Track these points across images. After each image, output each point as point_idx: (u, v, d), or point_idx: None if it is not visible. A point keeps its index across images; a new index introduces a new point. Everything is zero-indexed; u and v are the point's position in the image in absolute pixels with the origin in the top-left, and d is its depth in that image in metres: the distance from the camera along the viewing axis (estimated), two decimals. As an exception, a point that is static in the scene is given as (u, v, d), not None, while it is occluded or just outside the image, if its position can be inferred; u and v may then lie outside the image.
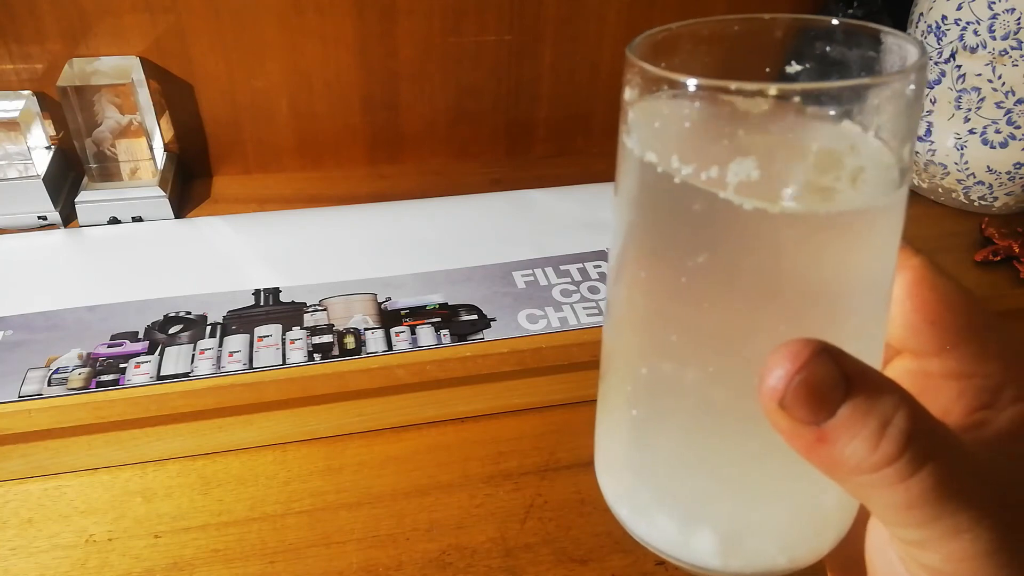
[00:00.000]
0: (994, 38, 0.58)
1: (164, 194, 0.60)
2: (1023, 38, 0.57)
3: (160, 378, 0.45)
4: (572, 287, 0.53)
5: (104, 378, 0.45)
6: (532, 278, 0.54)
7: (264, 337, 0.48)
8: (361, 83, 0.66)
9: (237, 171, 0.69)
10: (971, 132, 0.62)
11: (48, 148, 0.62)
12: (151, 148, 0.61)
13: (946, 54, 0.61)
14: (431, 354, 0.47)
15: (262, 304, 0.51)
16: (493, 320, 0.50)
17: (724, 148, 0.18)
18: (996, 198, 0.65)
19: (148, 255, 0.56)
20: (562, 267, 0.55)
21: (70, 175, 0.63)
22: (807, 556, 0.21)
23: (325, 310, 0.51)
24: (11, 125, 0.57)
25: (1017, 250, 0.60)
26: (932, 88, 0.63)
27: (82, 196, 0.59)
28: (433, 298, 0.52)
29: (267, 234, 0.59)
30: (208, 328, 0.49)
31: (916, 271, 0.20)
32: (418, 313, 0.51)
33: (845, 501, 0.21)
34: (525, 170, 0.72)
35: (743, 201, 0.17)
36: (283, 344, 0.48)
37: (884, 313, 0.20)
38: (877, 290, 0.19)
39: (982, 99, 0.61)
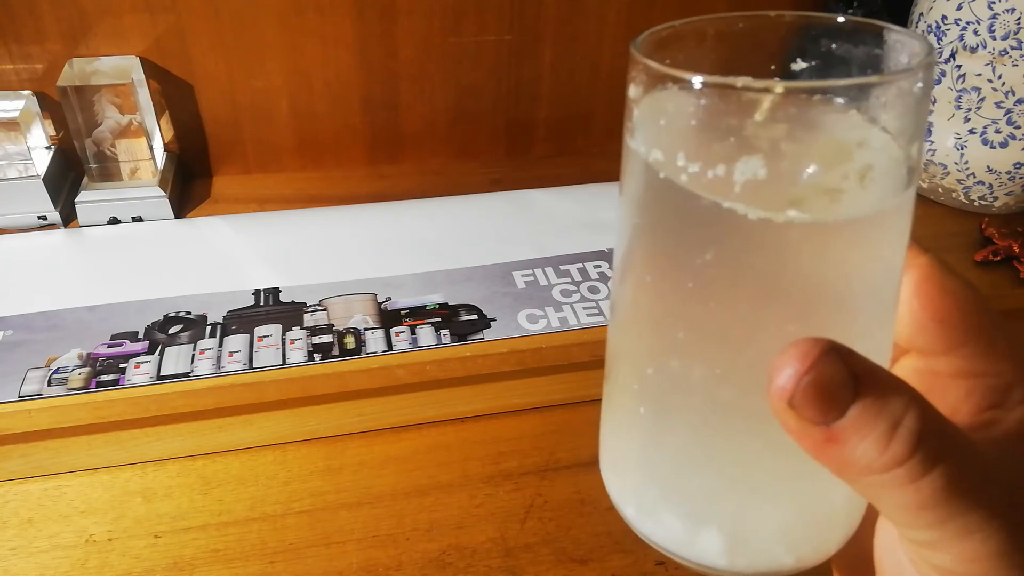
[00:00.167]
0: (994, 38, 0.58)
1: (164, 194, 0.60)
2: (1023, 38, 0.57)
3: (160, 378, 0.45)
4: (572, 287, 0.53)
5: (104, 378, 0.45)
6: (532, 278, 0.54)
7: (264, 337, 0.48)
8: (361, 83, 0.66)
9: (237, 171, 0.69)
10: (971, 132, 0.62)
11: (48, 148, 0.62)
12: (151, 148, 0.61)
13: (946, 54, 0.61)
14: (431, 354, 0.47)
15: (262, 304, 0.51)
16: (493, 320, 0.50)
17: (730, 146, 0.18)
18: (996, 198, 0.65)
19: (148, 255, 0.56)
20: (562, 267, 0.55)
21: (70, 175, 0.63)
22: (814, 556, 0.21)
23: (325, 310, 0.51)
24: (11, 125, 0.57)
25: (1017, 250, 0.60)
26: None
27: (82, 196, 0.59)
28: (433, 298, 0.52)
29: (267, 234, 0.59)
30: (208, 328, 0.49)
31: (924, 269, 0.20)
32: (418, 313, 0.51)
33: (852, 501, 0.20)
34: (525, 170, 0.72)
35: (748, 211, 0.17)
36: (283, 344, 0.48)
37: (892, 312, 0.20)
38: (885, 290, 0.19)
39: (982, 99, 0.61)
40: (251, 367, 0.46)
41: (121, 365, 0.46)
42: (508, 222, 0.61)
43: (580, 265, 0.56)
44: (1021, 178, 0.63)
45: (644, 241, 0.20)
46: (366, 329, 0.49)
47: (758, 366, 0.17)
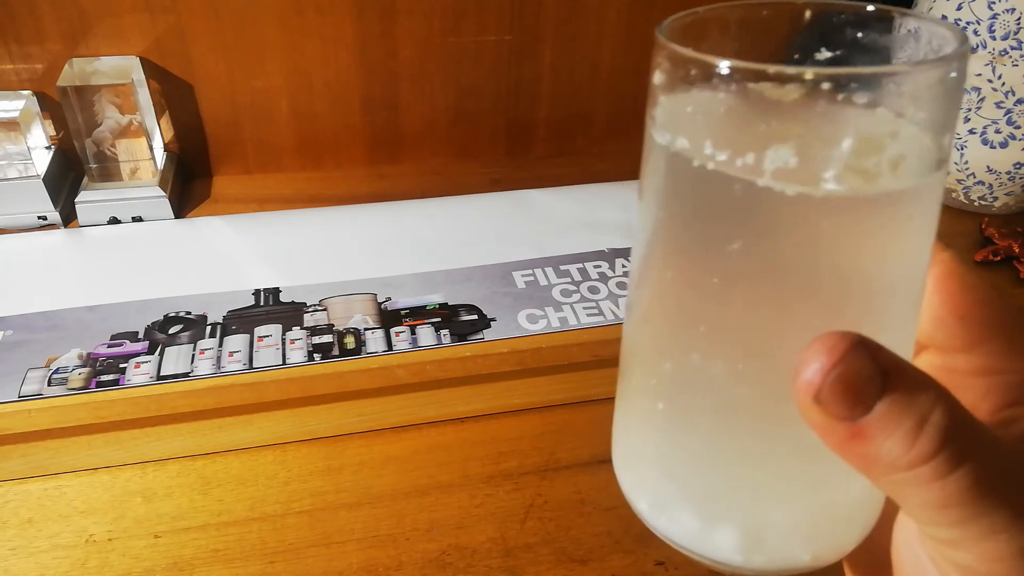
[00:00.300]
0: (994, 38, 0.58)
1: (164, 194, 0.60)
2: (1023, 38, 0.57)
3: (160, 378, 0.45)
4: (572, 287, 0.53)
5: (104, 378, 0.45)
6: (532, 278, 0.54)
7: (264, 337, 0.48)
8: (361, 83, 0.66)
9: (237, 171, 0.69)
10: (971, 132, 0.62)
11: (48, 148, 0.62)
12: (151, 148, 0.61)
13: (946, 54, 0.61)
14: (431, 354, 0.47)
15: (262, 304, 0.51)
16: (493, 320, 0.50)
17: (760, 134, 0.17)
18: (996, 198, 0.65)
19: (148, 255, 0.56)
20: (562, 267, 0.55)
21: (70, 175, 0.63)
22: (831, 554, 0.20)
23: (325, 310, 0.51)
24: (11, 125, 0.57)
25: (1017, 250, 0.60)
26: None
27: (82, 196, 0.59)
28: (433, 298, 0.52)
29: (267, 234, 0.59)
30: (208, 328, 0.49)
31: (946, 265, 0.20)
32: (418, 313, 0.51)
33: (870, 499, 0.20)
34: (525, 170, 0.72)
35: (784, 187, 0.16)
36: (283, 344, 0.48)
37: (918, 306, 0.19)
38: (912, 282, 0.19)
39: (982, 99, 0.61)
40: (251, 367, 0.46)
41: (121, 365, 0.46)
42: (508, 222, 0.61)
43: (580, 265, 0.56)
44: (1021, 178, 0.63)
45: (668, 234, 0.19)
46: (366, 329, 0.49)
47: (782, 361, 0.16)
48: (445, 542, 0.42)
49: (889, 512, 0.21)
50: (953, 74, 0.17)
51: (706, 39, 0.19)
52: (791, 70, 0.16)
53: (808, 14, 0.20)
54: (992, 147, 0.62)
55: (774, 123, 0.17)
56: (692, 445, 0.20)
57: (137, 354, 0.46)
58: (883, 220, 0.17)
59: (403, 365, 0.47)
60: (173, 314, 0.50)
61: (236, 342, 0.48)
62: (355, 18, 0.63)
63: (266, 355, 0.47)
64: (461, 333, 0.49)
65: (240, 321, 0.49)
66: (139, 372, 0.45)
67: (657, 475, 0.21)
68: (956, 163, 0.64)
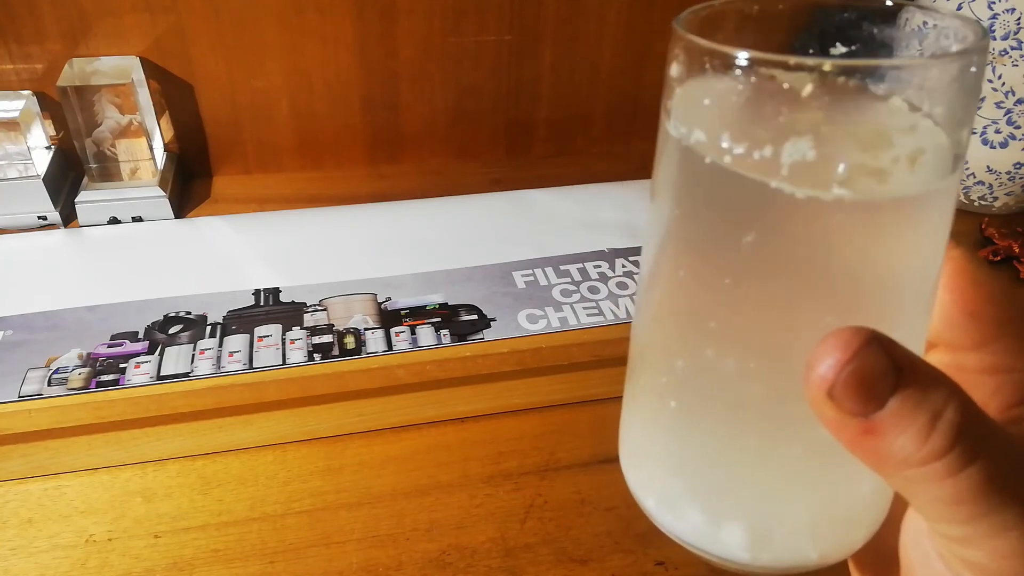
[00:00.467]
0: (994, 38, 0.58)
1: (164, 194, 0.60)
2: (1023, 38, 0.57)
3: (160, 378, 0.45)
4: (572, 287, 0.53)
5: (104, 378, 0.45)
6: (532, 278, 0.54)
7: (264, 337, 0.48)
8: (361, 83, 0.66)
9: (237, 171, 0.69)
10: (971, 132, 0.62)
11: (48, 148, 0.62)
12: (151, 148, 0.61)
13: (946, 54, 0.61)
14: (431, 354, 0.47)
15: (262, 304, 0.51)
16: (493, 320, 0.50)
17: (777, 127, 0.17)
18: (996, 198, 0.65)
19: (148, 255, 0.56)
20: (562, 267, 0.55)
21: (70, 175, 0.63)
22: (838, 552, 0.20)
23: (325, 310, 0.51)
24: (11, 125, 0.57)
25: (1017, 250, 0.60)
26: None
27: (82, 196, 0.59)
28: (433, 298, 0.52)
29: (267, 234, 0.59)
30: (208, 328, 0.49)
31: (957, 263, 0.20)
32: (418, 313, 0.51)
33: (878, 496, 0.20)
34: (525, 170, 0.72)
35: (796, 190, 0.16)
36: (283, 344, 0.48)
37: (930, 303, 0.19)
38: (925, 279, 0.19)
39: (982, 99, 0.61)
40: (251, 367, 0.46)
41: (121, 365, 0.46)
42: (508, 222, 0.61)
43: (580, 265, 0.56)
44: (1021, 178, 0.63)
45: (682, 231, 0.19)
46: (366, 329, 0.49)
47: (793, 360, 0.16)
48: (445, 542, 0.42)
49: (897, 510, 0.21)
50: (972, 68, 0.17)
51: (722, 32, 0.19)
52: (810, 61, 0.16)
53: (824, 8, 0.20)
54: (992, 147, 0.62)
55: (792, 116, 0.17)
56: (700, 443, 0.20)
57: (137, 354, 0.46)
58: (898, 222, 0.17)
59: (403, 365, 0.47)
60: (173, 314, 0.50)
61: (236, 342, 0.48)
62: (355, 18, 0.63)
63: (266, 355, 0.47)
64: (461, 333, 0.49)
65: (240, 321, 0.49)
66: (139, 372, 0.45)
67: (665, 472, 0.21)
68: (956, 163, 0.64)
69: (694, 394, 0.20)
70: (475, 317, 0.50)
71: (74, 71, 0.59)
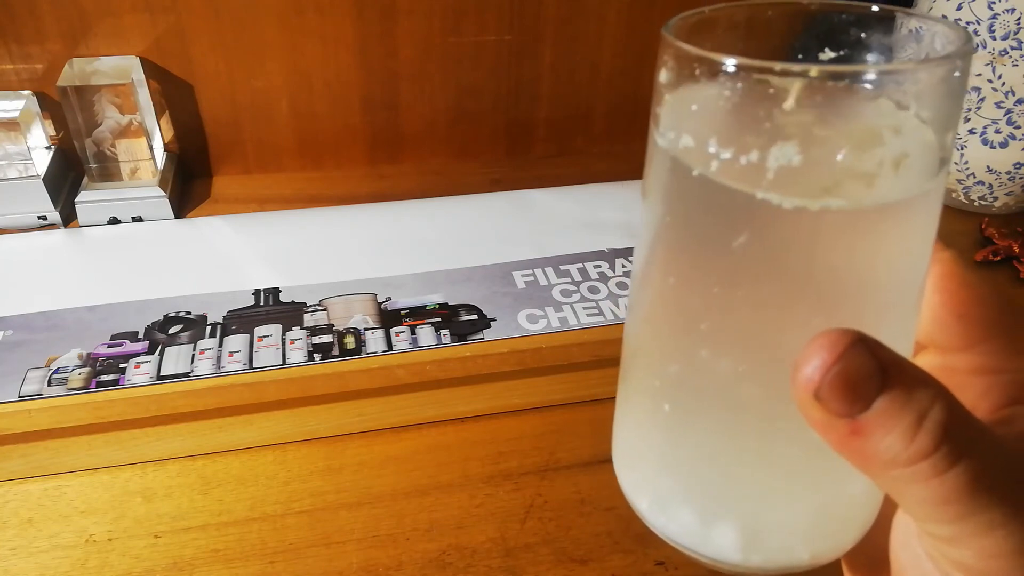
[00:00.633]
0: (994, 38, 0.58)
1: (164, 194, 0.60)
2: (1023, 38, 0.57)
3: (160, 378, 0.45)
4: (572, 287, 0.53)
5: (104, 378, 0.45)
6: (532, 278, 0.54)
7: (264, 337, 0.48)
8: (361, 83, 0.66)
9: (237, 171, 0.69)
10: (971, 132, 0.62)
11: (48, 148, 0.62)
12: (151, 148, 0.61)
13: (946, 54, 0.61)
14: (431, 354, 0.47)
15: (262, 304, 0.51)
16: (493, 320, 0.50)
17: (764, 132, 0.17)
18: (996, 198, 0.65)
19: (148, 255, 0.56)
20: (562, 267, 0.55)
21: (70, 175, 0.63)
22: (829, 552, 0.20)
23: (325, 310, 0.51)
24: (11, 125, 0.57)
25: (1017, 250, 0.60)
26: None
27: (82, 196, 0.59)
28: (433, 298, 0.52)
29: (267, 234, 0.59)
30: (208, 328, 0.49)
31: (946, 265, 0.20)
32: (418, 313, 0.51)
33: (868, 497, 0.20)
34: (525, 170, 0.72)
35: (783, 200, 0.16)
36: (283, 344, 0.48)
37: (917, 306, 0.19)
38: (913, 282, 0.19)
39: (982, 99, 0.61)
40: (251, 367, 0.46)
41: (121, 365, 0.46)
42: (508, 222, 0.61)
43: (580, 265, 0.56)
44: (1021, 178, 0.63)
45: (670, 233, 0.19)
46: (366, 329, 0.49)
47: (783, 361, 0.17)
48: (445, 542, 0.42)
49: (887, 511, 0.21)
50: (957, 73, 0.17)
51: (711, 38, 0.19)
52: (797, 67, 0.16)
53: (812, 15, 0.20)
54: (992, 147, 0.62)
55: (779, 121, 0.17)
56: (693, 444, 0.20)
57: (137, 354, 0.46)
58: (884, 226, 0.17)
59: (403, 365, 0.47)
60: (173, 314, 0.50)
61: (236, 342, 0.48)
62: (355, 18, 0.63)
63: (266, 355, 0.47)
64: (461, 333, 0.49)
65: (240, 321, 0.49)
66: (139, 372, 0.45)
67: (657, 474, 0.21)
68: (956, 163, 0.64)
69: (686, 396, 0.20)
70: (475, 317, 0.50)
71: (74, 71, 0.59)
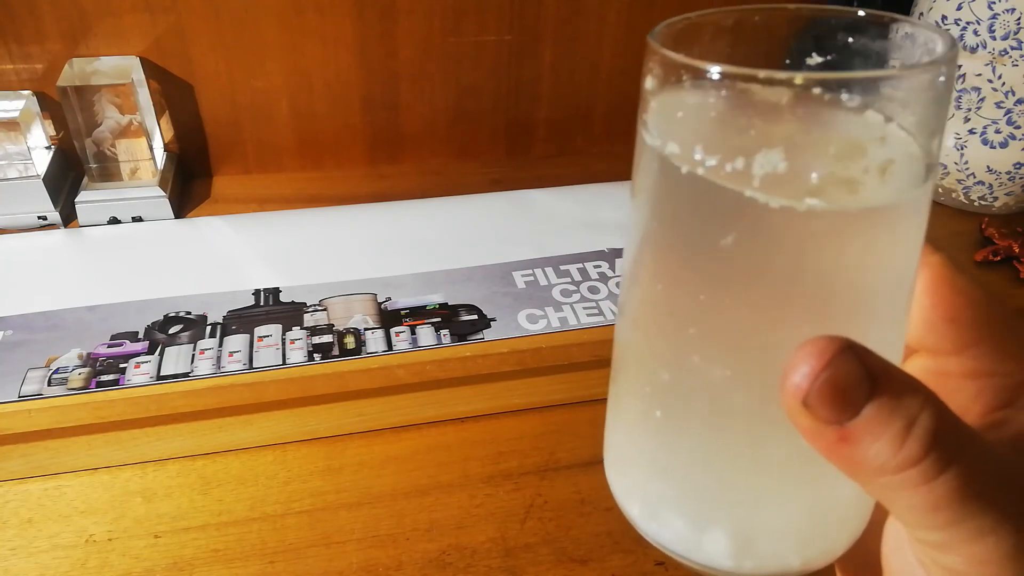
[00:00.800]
0: (994, 38, 0.58)
1: (164, 194, 0.60)
2: (1023, 38, 0.57)
3: (160, 378, 0.45)
4: (572, 287, 0.53)
5: (104, 378, 0.45)
6: (532, 278, 0.54)
7: (264, 337, 0.48)
8: (361, 83, 0.66)
9: (237, 171, 0.69)
10: (971, 132, 0.62)
11: (48, 148, 0.62)
12: (151, 148, 0.61)
13: (946, 54, 0.61)
14: (431, 354, 0.47)
15: (262, 304, 0.51)
16: (493, 320, 0.50)
17: (749, 139, 0.17)
18: (996, 198, 0.65)
19: (148, 255, 0.56)
20: (562, 267, 0.55)
21: (70, 175, 0.63)
22: (821, 558, 0.20)
23: (325, 310, 0.51)
24: (11, 125, 0.57)
25: (1017, 250, 0.60)
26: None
27: (82, 196, 0.59)
28: (433, 298, 0.52)
29: (267, 234, 0.59)
30: (208, 328, 0.49)
31: (935, 268, 0.20)
32: (418, 313, 0.51)
33: (860, 502, 0.20)
34: (525, 170, 0.72)
35: (769, 199, 0.16)
36: (283, 344, 0.48)
37: (906, 310, 0.19)
38: (901, 286, 0.19)
39: (982, 99, 0.61)
40: (251, 367, 0.46)
41: (121, 365, 0.46)
42: (508, 222, 0.61)
43: (580, 265, 0.56)
44: (1021, 178, 0.63)
45: (658, 237, 0.19)
46: (366, 329, 0.49)
47: (772, 366, 0.16)
48: (445, 542, 0.42)
49: (879, 516, 0.21)
50: (942, 78, 0.17)
51: (698, 44, 0.19)
52: (781, 75, 0.16)
53: (799, 20, 0.20)
54: (992, 147, 0.62)
55: (764, 128, 0.17)
56: (683, 450, 0.20)
57: (137, 354, 0.46)
58: (871, 231, 0.17)
59: (403, 365, 0.47)
60: (173, 314, 0.50)
61: (236, 342, 0.48)
62: (355, 18, 0.63)
63: (266, 355, 0.47)
64: (461, 333, 0.49)
65: (240, 321, 0.49)
66: (139, 372, 0.45)
67: (648, 480, 0.21)
68: (956, 163, 0.64)
69: (676, 402, 0.20)
70: (475, 317, 0.50)
71: (74, 71, 0.59)
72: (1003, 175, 0.63)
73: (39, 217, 0.59)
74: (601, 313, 0.51)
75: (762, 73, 0.16)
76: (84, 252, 0.57)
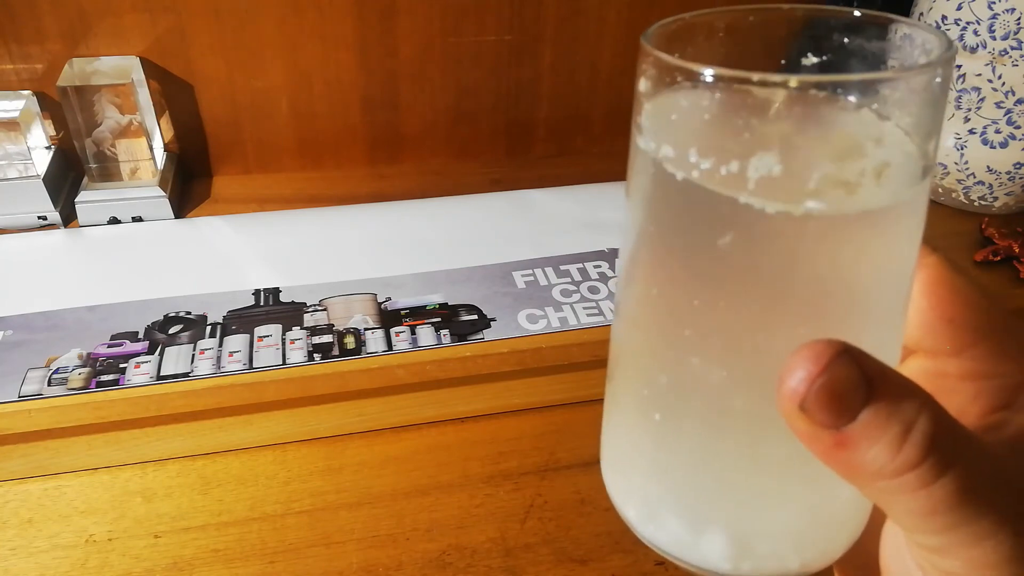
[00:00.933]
0: (994, 38, 0.58)
1: (164, 194, 0.60)
2: (1023, 38, 0.57)
3: (160, 378, 0.45)
4: (572, 287, 0.53)
5: (104, 378, 0.45)
6: (532, 278, 0.54)
7: (264, 337, 0.48)
8: (361, 83, 0.66)
9: (237, 171, 0.69)
10: (971, 132, 0.62)
11: (48, 148, 0.62)
12: (151, 148, 0.61)
13: (946, 54, 0.61)
14: (431, 354, 0.47)
15: (262, 304, 0.51)
16: (493, 320, 0.50)
17: (744, 142, 0.17)
18: (996, 198, 0.65)
19: (148, 255, 0.56)
20: (562, 267, 0.55)
21: (70, 175, 0.63)
22: (819, 560, 0.20)
23: (325, 310, 0.51)
24: (11, 125, 0.57)
25: (1017, 250, 0.60)
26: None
27: (82, 196, 0.59)
28: (433, 298, 0.52)
29: (267, 234, 0.59)
30: (208, 328, 0.49)
31: (933, 269, 0.20)
32: (418, 313, 0.51)
33: (858, 505, 0.20)
34: (525, 170, 0.72)
35: (766, 204, 0.16)
36: (283, 344, 0.48)
37: (904, 312, 0.19)
38: (898, 289, 0.19)
39: (982, 99, 0.61)
40: (251, 367, 0.46)
41: (121, 365, 0.46)
42: (508, 222, 0.61)
43: (580, 265, 0.56)
44: (1021, 178, 0.63)
45: (653, 241, 0.19)
46: (366, 329, 0.49)
47: (769, 369, 0.16)
48: (445, 542, 0.42)
49: (877, 519, 0.21)
50: (938, 79, 0.17)
51: (692, 45, 0.19)
52: (775, 77, 0.16)
53: (795, 20, 0.20)
54: (992, 147, 0.62)
55: (759, 130, 0.17)
56: (681, 452, 0.20)
57: (137, 354, 0.46)
58: (868, 234, 0.17)
59: (403, 365, 0.47)
60: (173, 314, 0.50)
61: (236, 342, 0.48)
62: (355, 18, 0.63)
63: (266, 355, 0.47)
64: (461, 333, 0.49)
65: (240, 321, 0.49)
66: (139, 372, 0.45)
67: (646, 482, 0.21)
68: (956, 163, 0.64)
69: (673, 404, 0.20)
70: (475, 317, 0.50)
71: (74, 71, 0.59)
72: (1003, 175, 0.63)
73: (39, 217, 0.59)
74: (601, 313, 0.51)
75: (756, 76, 0.16)
76: (84, 252, 0.57)
